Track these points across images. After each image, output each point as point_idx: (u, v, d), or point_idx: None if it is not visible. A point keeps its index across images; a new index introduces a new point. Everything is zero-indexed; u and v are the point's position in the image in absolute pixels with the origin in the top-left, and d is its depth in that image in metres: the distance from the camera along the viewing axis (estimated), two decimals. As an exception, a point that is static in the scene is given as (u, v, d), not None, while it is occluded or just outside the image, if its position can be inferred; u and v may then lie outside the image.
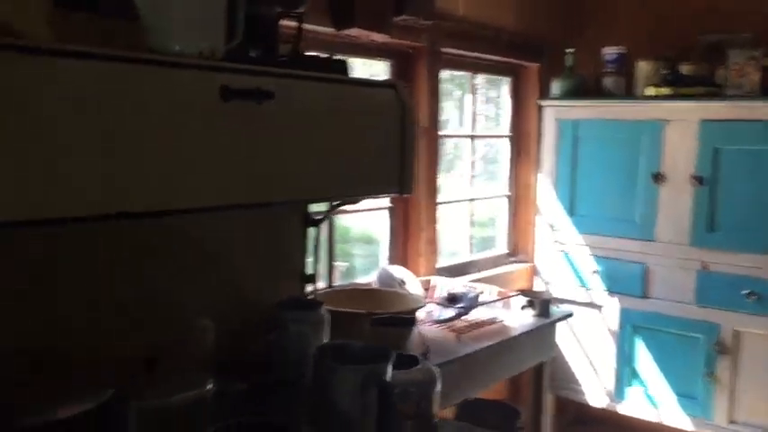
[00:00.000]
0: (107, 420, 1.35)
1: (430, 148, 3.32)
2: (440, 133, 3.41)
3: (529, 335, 2.90)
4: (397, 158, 1.80)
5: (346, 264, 3.18)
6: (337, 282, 2.90)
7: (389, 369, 1.52)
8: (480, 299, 2.85)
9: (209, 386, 1.52)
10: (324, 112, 1.62)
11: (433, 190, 3.36)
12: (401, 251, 3.34)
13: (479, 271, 3.77)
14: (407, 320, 1.69)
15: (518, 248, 4.16)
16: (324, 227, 2.13)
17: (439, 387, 1.75)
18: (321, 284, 2.46)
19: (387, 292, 2.68)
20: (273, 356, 1.79)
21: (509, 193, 4.13)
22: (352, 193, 1.83)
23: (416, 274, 3.28)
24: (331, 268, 2.81)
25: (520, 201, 4.14)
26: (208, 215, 1.68)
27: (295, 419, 1.51)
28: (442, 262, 3.55)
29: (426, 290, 3.09)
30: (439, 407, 1.77)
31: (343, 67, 1.82)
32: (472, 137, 3.87)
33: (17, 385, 1.34)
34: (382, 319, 1.66)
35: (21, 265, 1.51)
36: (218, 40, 1.41)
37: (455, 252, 3.82)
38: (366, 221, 3.41)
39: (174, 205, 1.33)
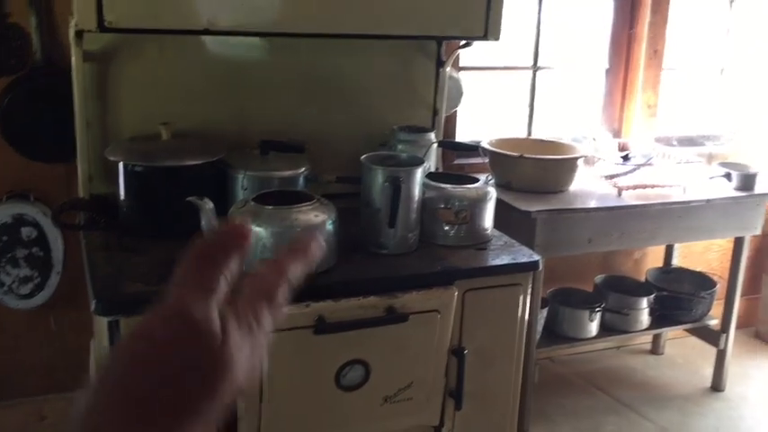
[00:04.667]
0: (222, 172, 2.01)
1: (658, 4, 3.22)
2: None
3: (712, 205, 2.82)
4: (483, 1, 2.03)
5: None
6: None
7: (415, 173, 1.88)
8: (655, 160, 2.84)
9: (302, 170, 2.06)
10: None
11: (656, 53, 3.28)
12: (617, 113, 3.39)
13: (718, 144, 3.57)
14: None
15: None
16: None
17: (488, 206, 2.03)
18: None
19: (550, 142, 2.87)
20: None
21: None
22: (437, 33, 2.12)
23: (627, 137, 3.34)
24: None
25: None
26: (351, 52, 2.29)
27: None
28: (671, 131, 3.48)
29: (623, 150, 3.15)
30: (491, 222, 2.05)
31: None
32: None
33: (164, 148, 2.03)
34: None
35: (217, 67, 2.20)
36: None
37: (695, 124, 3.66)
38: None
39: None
